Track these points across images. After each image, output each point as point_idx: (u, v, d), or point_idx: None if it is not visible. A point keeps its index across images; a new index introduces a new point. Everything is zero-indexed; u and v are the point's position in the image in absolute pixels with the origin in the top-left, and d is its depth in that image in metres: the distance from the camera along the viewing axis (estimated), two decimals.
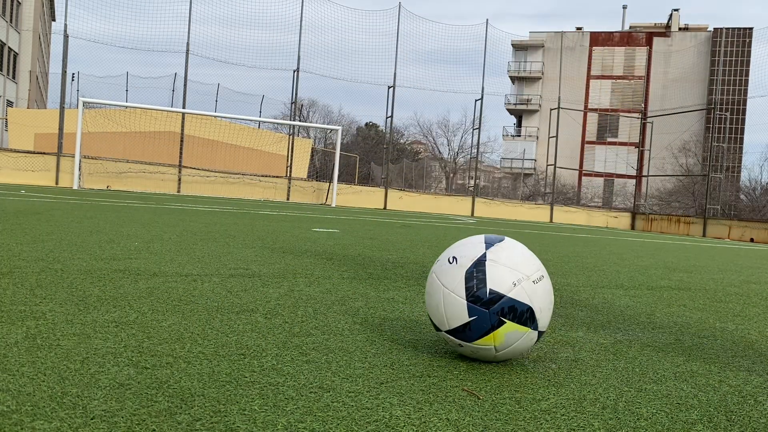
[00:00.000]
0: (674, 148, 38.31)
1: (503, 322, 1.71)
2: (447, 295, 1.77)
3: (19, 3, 38.48)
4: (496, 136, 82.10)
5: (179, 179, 22.86)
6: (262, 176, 24.12)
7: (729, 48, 45.43)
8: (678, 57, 47.66)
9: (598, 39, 49.81)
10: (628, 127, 47.01)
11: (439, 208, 26.18)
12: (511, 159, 51.10)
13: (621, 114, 44.64)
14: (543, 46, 50.68)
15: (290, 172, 24.84)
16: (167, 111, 23.38)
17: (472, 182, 29.16)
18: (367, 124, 55.03)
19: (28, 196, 10.72)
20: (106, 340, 1.76)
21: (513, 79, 52.15)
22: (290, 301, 2.59)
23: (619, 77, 49.30)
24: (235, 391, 1.41)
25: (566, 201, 32.13)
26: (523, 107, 51.85)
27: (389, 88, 25.70)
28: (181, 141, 23.21)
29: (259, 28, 29.63)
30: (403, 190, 27.10)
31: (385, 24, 25.88)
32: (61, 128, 21.21)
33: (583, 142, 48.84)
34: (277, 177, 24.44)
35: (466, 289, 1.73)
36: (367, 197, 25.23)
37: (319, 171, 30.64)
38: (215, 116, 24.96)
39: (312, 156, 30.59)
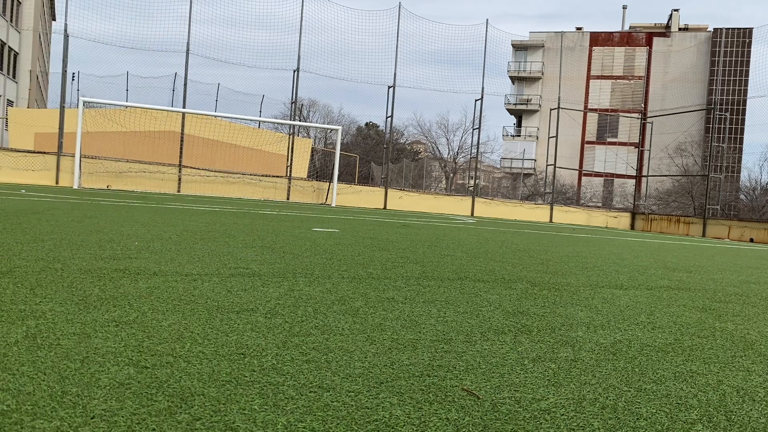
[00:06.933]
0: (670, 149, 38.29)
1: None
2: None
3: (20, 2, 38.46)
4: (496, 136, 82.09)
5: (179, 179, 22.84)
6: (262, 176, 24.11)
7: (729, 48, 45.43)
8: (678, 57, 47.66)
9: (598, 39, 49.80)
10: (628, 127, 47.00)
11: (438, 208, 26.16)
12: (511, 159, 51.07)
13: (621, 114, 44.60)
14: (543, 46, 50.67)
15: (290, 171, 24.83)
16: (167, 111, 23.37)
17: (471, 182, 29.15)
18: (367, 124, 55.02)
19: (28, 196, 10.72)
20: (106, 339, 1.76)
21: (513, 79, 52.13)
22: (290, 300, 2.59)
23: (619, 77, 49.30)
24: (235, 391, 1.41)
25: (566, 201, 32.13)
26: (523, 107, 51.85)
27: (389, 88, 25.69)
28: (181, 141, 23.20)
29: (259, 28, 29.63)
30: (403, 190, 27.09)
31: (385, 24, 25.86)
32: (61, 128, 21.20)
33: (583, 142, 48.84)
34: (277, 177, 24.43)
35: None
36: (367, 197, 25.22)
37: (319, 171, 30.62)
38: (215, 116, 24.94)
39: (312, 156, 30.57)
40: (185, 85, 23.12)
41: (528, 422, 1.37)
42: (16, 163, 20.48)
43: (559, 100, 28.94)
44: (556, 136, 28.07)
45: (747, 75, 44.65)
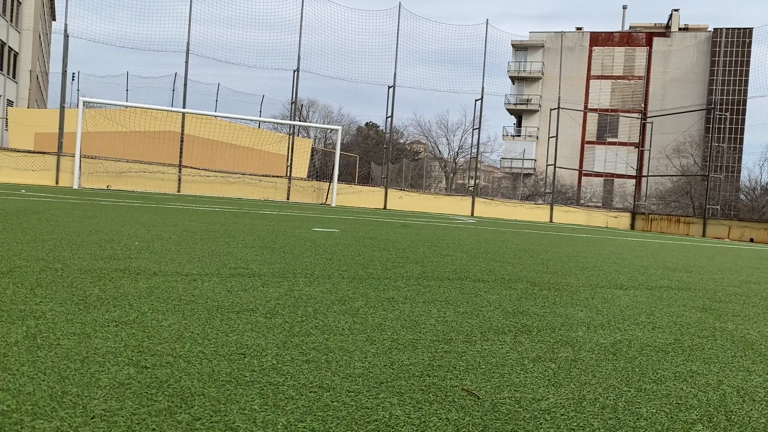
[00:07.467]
0: (669, 150, 38.28)
1: None
2: None
3: (20, 2, 38.46)
4: (496, 136, 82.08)
5: (179, 179, 22.85)
6: (263, 176, 24.11)
7: (729, 48, 45.42)
8: (678, 57, 47.65)
9: (598, 39, 49.80)
10: (628, 127, 47.00)
11: (438, 208, 26.16)
12: (511, 159, 51.06)
13: (621, 114, 44.60)
14: (543, 46, 50.67)
15: (290, 171, 24.82)
16: (167, 111, 23.37)
17: (471, 182, 29.15)
18: (367, 124, 55.00)
19: (29, 196, 10.72)
20: (106, 339, 1.76)
21: (513, 79, 52.12)
22: (290, 300, 2.59)
23: (619, 77, 49.28)
24: (235, 391, 1.41)
25: (566, 201, 32.13)
26: (523, 107, 51.83)
27: (389, 88, 25.69)
28: (181, 141, 23.20)
29: (259, 28, 29.60)
30: (403, 190, 27.09)
31: (386, 24, 25.87)
32: (61, 128, 21.20)
33: (583, 142, 48.83)
34: (277, 177, 24.43)
35: None
36: (367, 197, 25.22)
37: (319, 171, 30.62)
38: (215, 116, 24.95)
39: (312, 156, 30.57)
40: (185, 85, 23.12)
41: (528, 422, 1.37)
42: (16, 163, 20.49)
43: (559, 100, 28.95)
44: (556, 136, 28.07)
45: (747, 75, 44.65)
